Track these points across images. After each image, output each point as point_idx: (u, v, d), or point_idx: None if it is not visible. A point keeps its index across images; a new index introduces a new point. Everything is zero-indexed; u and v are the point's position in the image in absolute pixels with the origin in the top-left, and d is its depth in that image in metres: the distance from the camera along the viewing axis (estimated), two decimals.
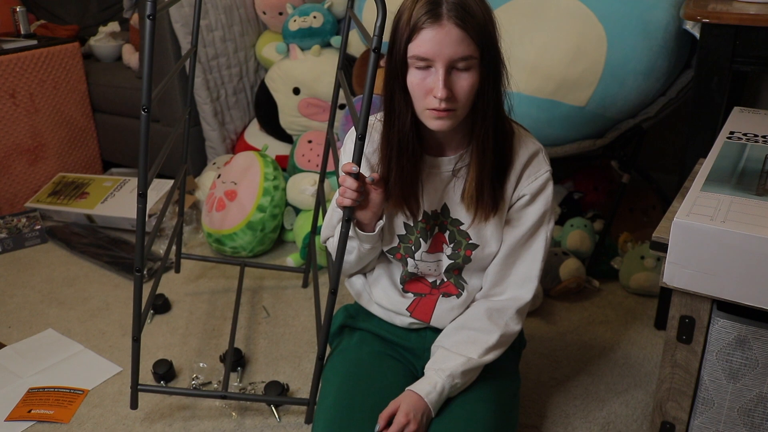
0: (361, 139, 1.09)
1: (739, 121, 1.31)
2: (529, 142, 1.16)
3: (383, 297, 1.28)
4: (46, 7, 3.14)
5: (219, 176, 2.20)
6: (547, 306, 1.83)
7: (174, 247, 1.94)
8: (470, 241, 1.19)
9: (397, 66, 1.04)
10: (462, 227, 1.18)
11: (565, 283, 1.82)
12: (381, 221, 1.16)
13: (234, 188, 2.12)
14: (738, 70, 1.43)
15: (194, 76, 1.66)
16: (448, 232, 1.19)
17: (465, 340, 1.18)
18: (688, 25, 1.60)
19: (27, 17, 2.68)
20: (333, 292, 1.23)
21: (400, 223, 1.20)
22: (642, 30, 1.65)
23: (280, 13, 2.48)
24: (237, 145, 2.62)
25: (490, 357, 1.18)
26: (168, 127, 2.55)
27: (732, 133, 1.25)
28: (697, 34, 1.51)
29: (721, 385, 0.99)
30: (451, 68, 1.01)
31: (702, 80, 1.45)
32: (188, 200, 2.37)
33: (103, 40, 2.90)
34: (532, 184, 1.15)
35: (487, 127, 1.07)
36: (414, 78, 1.03)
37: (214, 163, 2.52)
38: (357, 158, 1.11)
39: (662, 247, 0.97)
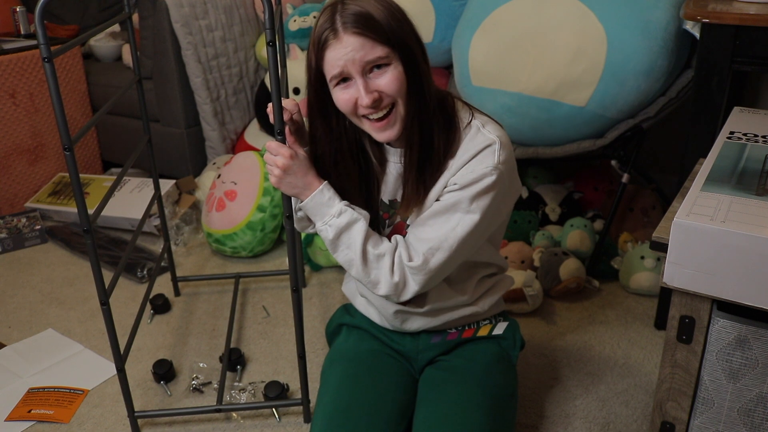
0: (279, 134, 1.10)
1: (739, 121, 1.31)
2: (485, 136, 1.08)
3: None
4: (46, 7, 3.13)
5: (219, 176, 2.20)
6: (547, 306, 1.83)
7: (178, 244, 1.95)
8: None
9: (319, 92, 1.06)
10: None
11: (565, 283, 1.82)
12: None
13: (234, 188, 2.12)
14: (738, 70, 1.43)
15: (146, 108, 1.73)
16: (408, 221, 1.17)
17: (373, 236, 1.13)
18: (688, 25, 1.60)
19: (27, 17, 2.68)
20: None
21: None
22: (642, 30, 1.65)
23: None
24: (237, 145, 2.62)
25: (356, 258, 1.09)
26: (167, 127, 2.55)
27: (732, 133, 1.25)
28: (697, 34, 1.50)
29: (721, 385, 0.99)
30: (368, 73, 1.02)
31: (702, 80, 1.45)
32: (188, 200, 2.37)
33: (103, 40, 2.90)
34: (467, 176, 1.07)
35: (414, 120, 1.06)
36: (340, 97, 1.05)
37: (214, 163, 2.52)
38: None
39: (662, 247, 0.97)
